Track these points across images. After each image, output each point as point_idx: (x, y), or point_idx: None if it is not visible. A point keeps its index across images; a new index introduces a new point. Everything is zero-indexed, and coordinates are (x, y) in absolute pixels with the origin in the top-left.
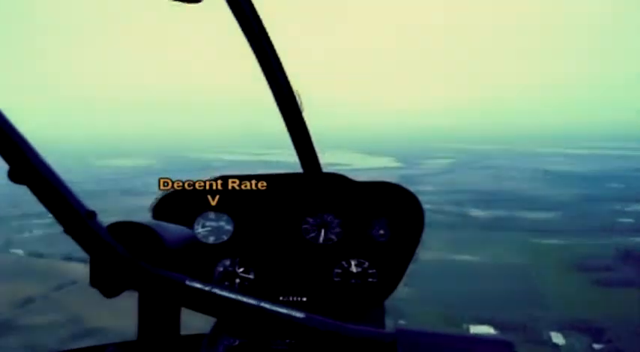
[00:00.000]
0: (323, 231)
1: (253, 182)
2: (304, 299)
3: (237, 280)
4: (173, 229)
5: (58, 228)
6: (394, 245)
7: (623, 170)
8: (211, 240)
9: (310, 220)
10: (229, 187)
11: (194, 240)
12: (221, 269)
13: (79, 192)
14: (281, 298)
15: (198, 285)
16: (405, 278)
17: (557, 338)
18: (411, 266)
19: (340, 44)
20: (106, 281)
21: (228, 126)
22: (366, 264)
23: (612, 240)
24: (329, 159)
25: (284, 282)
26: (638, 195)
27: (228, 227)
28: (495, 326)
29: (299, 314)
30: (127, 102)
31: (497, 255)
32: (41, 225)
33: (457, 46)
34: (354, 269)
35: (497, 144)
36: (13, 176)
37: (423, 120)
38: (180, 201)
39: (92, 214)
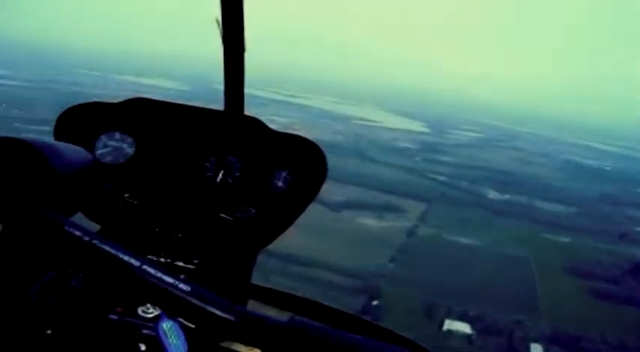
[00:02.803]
0: (222, 172)
1: (168, 110)
2: (180, 235)
3: (120, 204)
4: (67, 150)
5: None
6: (287, 199)
7: None
8: (108, 160)
9: (213, 159)
10: (142, 111)
11: (90, 165)
12: (106, 190)
13: None
14: (157, 230)
15: (77, 233)
16: (394, 252)
17: (536, 350)
18: (405, 241)
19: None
20: None
21: (263, 63)
22: (253, 212)
23: (627, 249)
24: (360, 114)
25: (166, 215)
26: None
27: (130, 150)
28: (474, 326)
29: (185, 286)
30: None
31: (500, 243)
32: None
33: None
34: (239, 215)
35: (532, 127)
36: None
37: (466, 88)
38: (87, 115)
39: None
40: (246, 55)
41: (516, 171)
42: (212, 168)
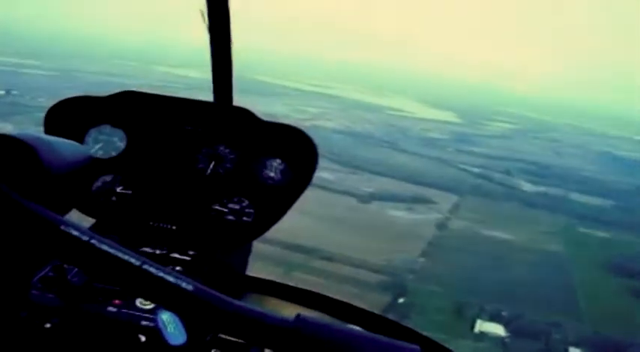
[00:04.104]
0: (213, 163)
1: (158, 102)
2: (174, 227)
3: (114, 198)
4: (61, 146)
5: None
6: (280, 189)
7: None
8: (99, 154)
9: (204, 151)
10: (132, 104)
11: (86, 161)
12: (99, 184)
13: None
14: (151, 223)
15: (75, 232)
16: (425, 246)
17: None
18: (436, 234)
19: None
20: None
21: (290, 53)
22: (246, 202)
23: None
24: (391, 104)
25: (159, 207)
26: None
27: (121, 143)
28: (507, 327)
29: (188, 285)
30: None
31: (535, 237)
32: None
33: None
34: (232, 206)
35: (567, 118)
36: None
37: (499, 80)
38: (77, 109)
39: None
40: (265, 46)
41: (551, 163)
42: (204, 160)
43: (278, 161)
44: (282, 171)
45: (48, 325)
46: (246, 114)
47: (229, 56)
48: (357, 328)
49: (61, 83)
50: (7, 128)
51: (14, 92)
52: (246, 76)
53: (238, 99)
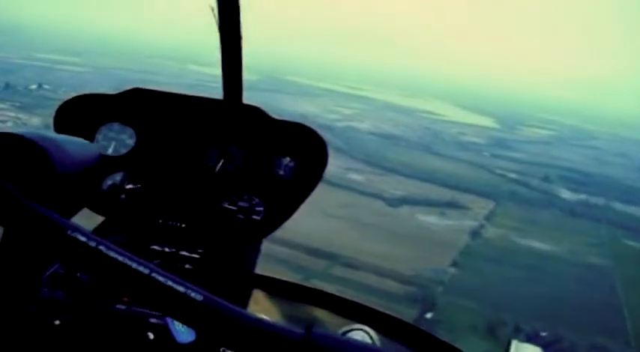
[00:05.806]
0: (222, 161)
1: (168, 100)
2: (183, 225)
3: (123, 195)
4: (69, 146)
5: None
6: (290, 187)
7: None
8: (109, 151)
9: (213, 148)
10: (141, 101)
11: (97, 161)
12: (110, 182)
13: None
14: (160, 221)
15: (82, 238)
16: (456, 255)
17: None
18: (469, 243)
19: None
20: None
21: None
22: (255, 200)
23: None
24: (427, 107)
25: (169, 205)
26: None
27: (130, 141)
28: (547, 351)
29: (197, 296)
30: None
31: (577, 249)
32: None
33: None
34: (241, 204)
35: (610, 126)
36: None
37: (539, 88)
38: (87, 107)
39: None
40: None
41: (592, 171)
42: (213, 158)
43: (288, 159)
44: (292, 170)
45: (57, 322)
46: (255, 112)
47: (239, 53)
48: (367, 328)
49: (96, 79)
50: (33, 120)
51: (46, 86)
52: (287, 78)
53: (269, 99)
